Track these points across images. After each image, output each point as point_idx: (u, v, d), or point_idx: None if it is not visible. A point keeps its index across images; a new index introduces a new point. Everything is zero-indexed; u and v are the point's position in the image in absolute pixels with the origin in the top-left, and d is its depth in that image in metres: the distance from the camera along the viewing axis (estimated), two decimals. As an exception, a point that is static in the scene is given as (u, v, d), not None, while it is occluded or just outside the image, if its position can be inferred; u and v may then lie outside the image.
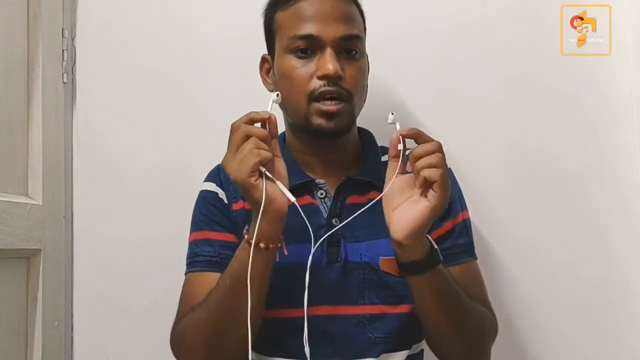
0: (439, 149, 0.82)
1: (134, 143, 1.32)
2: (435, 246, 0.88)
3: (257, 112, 0.84)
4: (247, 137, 0.81)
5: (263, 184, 0.81)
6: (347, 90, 0.94)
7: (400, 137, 0.85)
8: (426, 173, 0.80)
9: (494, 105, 1.28)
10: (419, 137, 0.84)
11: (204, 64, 1.32)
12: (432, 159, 0.81)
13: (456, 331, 0.92)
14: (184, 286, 0.99)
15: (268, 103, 0.86)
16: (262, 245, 0.84)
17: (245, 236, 0.86)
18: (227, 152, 0.83)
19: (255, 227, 0.82)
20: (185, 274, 1.00)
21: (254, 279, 0.81)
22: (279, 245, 0.86)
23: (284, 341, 0.94)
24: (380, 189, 0.87)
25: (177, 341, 0.94)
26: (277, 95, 0.88)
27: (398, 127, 0.86)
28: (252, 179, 0.80)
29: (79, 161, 1.32)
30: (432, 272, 0.86)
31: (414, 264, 0.86)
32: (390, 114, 0.86)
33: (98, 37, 1.34)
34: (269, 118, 0.84)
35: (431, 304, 0.89)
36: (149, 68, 1.33)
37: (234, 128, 0.83)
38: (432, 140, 0.84)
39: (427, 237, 0.87)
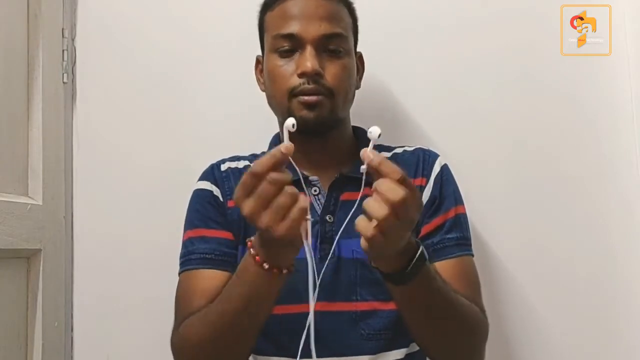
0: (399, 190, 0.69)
1: (134, 143, 1.32)
2: (419, 256, 0.78)
3: (275, 155, 0.71)
4: (280, 188, 0.71)
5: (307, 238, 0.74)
6: (328, 88, 0.95)
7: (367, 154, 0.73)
8: (369, 206, 0.71)
9: (494, 105, 1.28)
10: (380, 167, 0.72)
11: (204, 64, 1.32)
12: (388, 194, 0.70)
13: (443, 338, 0.89)
14: (179, 286, 0.98)
15: (285, 133, 0.75)
16: (273, 269, 0.78)
17: (251, 250, 0.78)
18: (249, 201, 0.71)
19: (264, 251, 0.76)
20: (180, 273, 0.99)
21: (264, 302, 0.81)
22: (291, 269, 0.80)
23: (279, 339, 0.94)
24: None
25: (180, 345, 0.91)
26: (293, 125, 0.76)
27: (370, 146, 0.73)
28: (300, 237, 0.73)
29: (79, 161, 1.32)
30: (412, 283, 0.79)
31: (390, 276, 0.80)
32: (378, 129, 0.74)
33: (98, 37, 1.34)
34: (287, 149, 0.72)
35: (414, 312, 0.86)
36: (148, 68, 1.33)
37: (257, 176, 0.70)
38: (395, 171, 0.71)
39: (414, 241, 0.79)
